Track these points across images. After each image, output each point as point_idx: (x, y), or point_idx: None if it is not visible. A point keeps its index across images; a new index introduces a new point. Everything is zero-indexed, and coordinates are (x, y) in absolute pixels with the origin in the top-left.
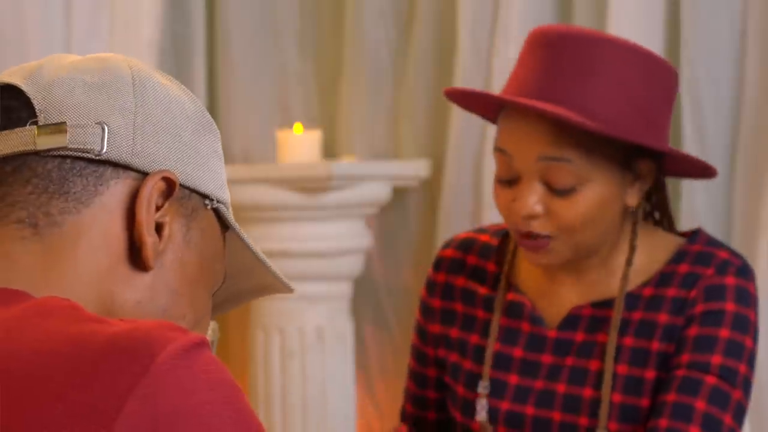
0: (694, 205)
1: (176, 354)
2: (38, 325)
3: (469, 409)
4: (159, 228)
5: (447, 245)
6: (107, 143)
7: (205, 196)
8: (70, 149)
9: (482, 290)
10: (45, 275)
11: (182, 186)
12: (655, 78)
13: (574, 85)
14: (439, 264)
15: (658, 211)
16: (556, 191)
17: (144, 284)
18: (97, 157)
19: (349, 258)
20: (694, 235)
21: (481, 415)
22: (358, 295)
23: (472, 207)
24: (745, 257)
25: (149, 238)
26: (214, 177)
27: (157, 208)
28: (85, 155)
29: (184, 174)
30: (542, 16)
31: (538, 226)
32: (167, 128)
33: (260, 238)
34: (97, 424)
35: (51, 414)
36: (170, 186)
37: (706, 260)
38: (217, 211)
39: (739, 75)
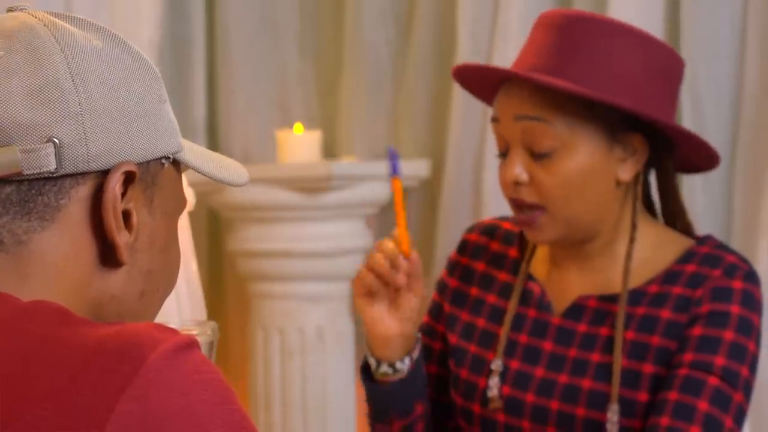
0: (694, 205)
1: (167, 354)
2: (28, 328)
3: (472, 392)
4: (126, 216)
5: (471, 230)
6: (62, 159)
7: (161, 157)
8: (26, 175)
9: (502, 276)
10: (18, 287)
11: (140, 164)
12: (651, 58)
13: (563, 56)
14: (464, 247)
15: (665, 202)
16: (537, 156)
17: (119, 279)
18: (54, 175)
19: (349, 258)
20: (704, 238)
21: (493, 391)
22: None
23: (472, 207)
24: (751, 263)
25: (121, 238)
26: (165, 131)
27: (121, 196)
28: (41, 176)
29: (140, 151)
30: None
31: (525, 194)
32: (115, 111)
33: (260, 238)
34: (89, 424)
35: (43, 415)
36: (130, 175)
37: (714, 262)
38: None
39: (738, 73)
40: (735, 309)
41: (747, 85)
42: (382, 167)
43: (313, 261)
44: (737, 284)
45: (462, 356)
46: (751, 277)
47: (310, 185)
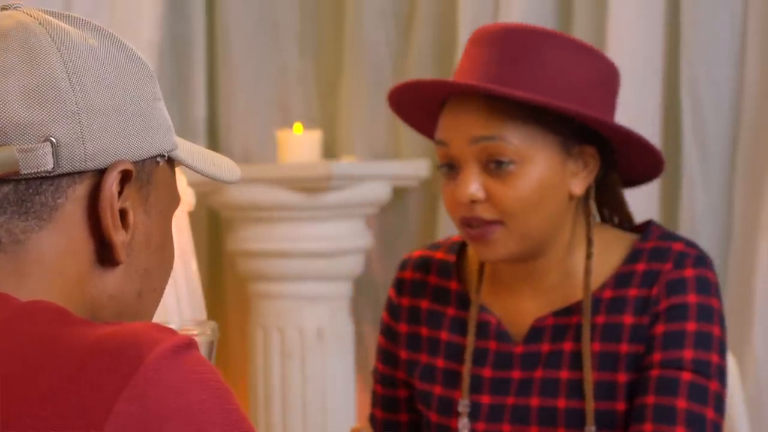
0: (694, 205)
1: (165, 354)
2: (26, 328)
3: None
4: (123, 215)
5: (404, 266)
6: (59, 158)
7: (156, 155)
8: (23, 174)
9: (449, 311)
10: (17, 287)
11: (136, 162)
12: (592, 68)
13: (508, 68)
14: (401, 287)
15: (613, 212)
16: (494, 171)
17: (116, 278)
18: (51, 174)
19: (349, 258)
20: (646, 231)
21: None
22: (358, 295)
23: None
24: (698, 244)
25: (117, 237)
26: (160, 129)
27: (118, 194)
28: (39, 175)
29: (136, 149)
30: (542, 16)
31: (481, 210)
32: (111, 110)
33: (260, 238)
34: (87, 424)
35: (42, 415)
36: (127, 174)
37: (662, 256)
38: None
39: (738, 75)
40: (692, 298)
41: (747, 88)
42: (382, 167)
43: (313, 261)
44: (689, 272)
45: (428, 399)
46: (701, 261)
47: (310, 185)
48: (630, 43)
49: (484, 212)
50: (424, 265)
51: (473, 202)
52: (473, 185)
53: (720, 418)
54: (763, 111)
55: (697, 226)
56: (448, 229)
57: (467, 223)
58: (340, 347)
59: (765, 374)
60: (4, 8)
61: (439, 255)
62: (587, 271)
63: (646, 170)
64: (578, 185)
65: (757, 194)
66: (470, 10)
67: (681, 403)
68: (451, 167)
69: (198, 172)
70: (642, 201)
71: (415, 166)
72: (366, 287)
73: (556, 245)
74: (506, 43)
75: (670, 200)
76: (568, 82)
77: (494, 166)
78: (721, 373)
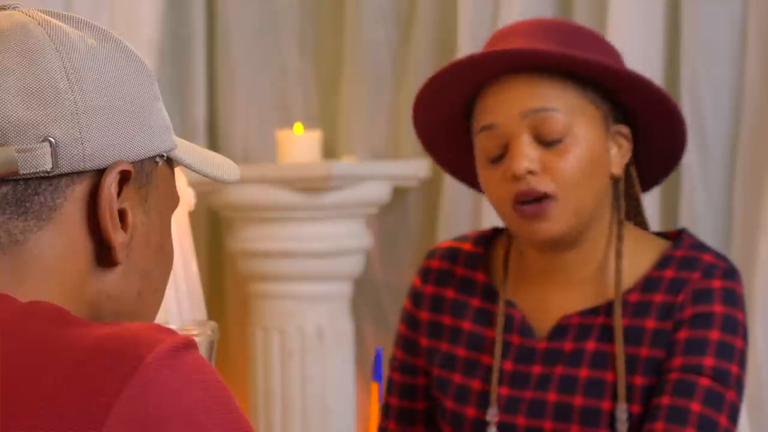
0: (694, 205)
1: (164, 355)
2: (26, 328)
3: (459, 422)
4: (122, 215)
5: (432, 255)
6: (58, 158)
7: (155, 155)
8: (22, 174)
9: (474, 302)
10: (16, 287)
11: (135, 162)
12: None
13: (557, 41)
14: (427, 275)
15: (629, 213)
16: (546, 144)
17: (116, 278)
18: (50, 175)
19: (349, 258)
20: (679, 238)
21: None
22: (358, 295)
23: (472, 207)
24: (730, 259)
25: (117, 238)
26: (159, 129)
27: (117, 195)
28: (37, 175)
29: (135, 150)
30: (542, 16)
31: (536, 182)
32: (110, 110)
33: (260, 238)
34: (87, 425)
35: (41, 415)
36: (126, 174)
37: (691, 265)
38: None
39: (739, 75)
40: (718, 308)
41: (747, 88)
42: (382, 167)
43: (313, 261)
44: (717, 284)
45: (446, 387)
46: (730, 274)
47: (310, 185)
48: (630, 43)
49: (539, 184)
50: (452, 255)
51: (529, 173)
52: (529, 156)
53: (733, 428)
54: (763, 111)
55: (697, 226)
56: (448, 230)
57: (521, 199)
58: (340, 347)
59: (765, 374)
60: (3, 8)
61: (467, 246)
62: (618, 271)
63: (669, 150)
64: (616, 165)
65: (757, 194)
66: (470, 10)
67: (695, 407)
68: (497, 158)
69: (197, 172)
70: (643, 200)
71: (415, 166)
72: (366, 287)
73: (595, 233)
74: (552, 27)
75: (670, 200)
76: (606, 52)
77: (546, 141)
78: (739, 385)
